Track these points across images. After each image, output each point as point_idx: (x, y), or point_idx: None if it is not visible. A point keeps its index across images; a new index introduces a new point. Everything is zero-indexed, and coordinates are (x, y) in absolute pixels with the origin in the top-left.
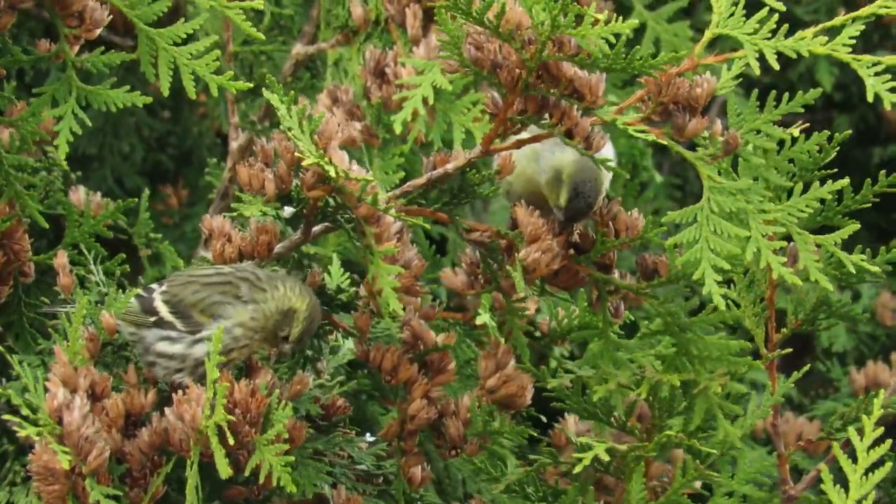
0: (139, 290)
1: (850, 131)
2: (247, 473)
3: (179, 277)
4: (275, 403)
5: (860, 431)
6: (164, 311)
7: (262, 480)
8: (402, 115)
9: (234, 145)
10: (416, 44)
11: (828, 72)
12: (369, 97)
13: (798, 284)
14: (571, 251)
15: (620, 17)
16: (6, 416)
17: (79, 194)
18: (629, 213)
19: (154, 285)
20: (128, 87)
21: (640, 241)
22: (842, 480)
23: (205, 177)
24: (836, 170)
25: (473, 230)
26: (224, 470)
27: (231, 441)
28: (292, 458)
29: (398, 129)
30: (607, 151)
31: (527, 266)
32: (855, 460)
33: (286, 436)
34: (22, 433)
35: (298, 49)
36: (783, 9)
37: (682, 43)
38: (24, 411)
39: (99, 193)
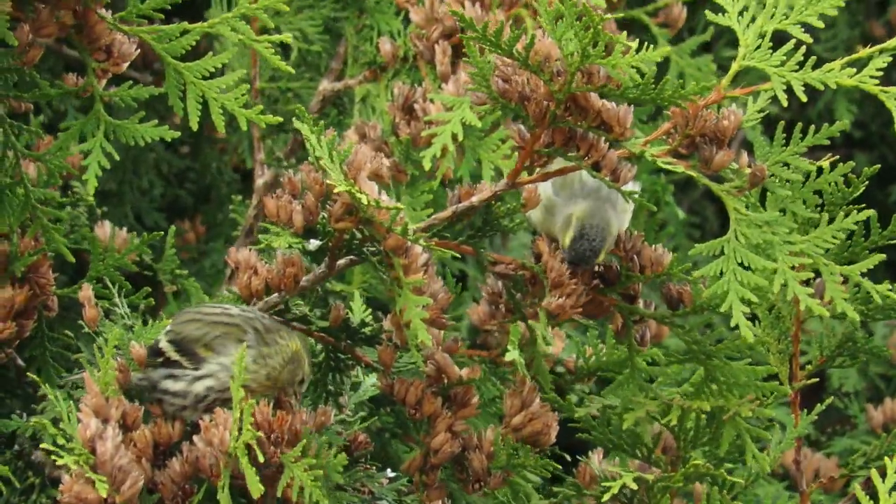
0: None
1: (878, 166)
2: (279, 493)
3: (185, 314)
4: (300, 425)
5: (882, 472)
6: (169, 350)
7: (294, 498)
8: (432, 151)
9: (259, 182)
10: (445, 80)
11: (847, 109)
12: (398, 133)
13: (825, 315)
14: (597, 282)
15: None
16: (43, 446)
17: (105, 229)
18: (653, 247)
19: (166, 327)
20: (155, 122)
21: (666, 276)
22: None
23: (223, 213)
24: (863, 205)
25: (498, 262)
26: (255, 488)
27: (261, 457)
28: (321, 472)
29: (427, 165)
30: (635, 186)
31: (551, 312)
32: (877, 501)
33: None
34: (60, 462)
35: (325, 86)
36: (810, 41)
37: (705, 77)
38: (60, 440)
39: (125, 228)
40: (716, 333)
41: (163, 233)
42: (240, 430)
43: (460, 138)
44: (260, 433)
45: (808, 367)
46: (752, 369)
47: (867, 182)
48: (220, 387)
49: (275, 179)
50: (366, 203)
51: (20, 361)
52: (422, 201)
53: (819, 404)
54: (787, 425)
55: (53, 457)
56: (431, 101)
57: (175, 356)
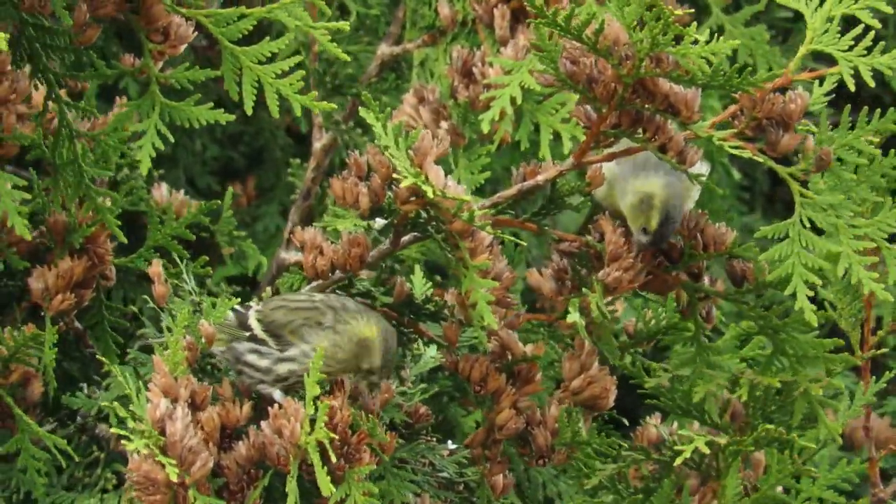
0: (235, 305)
1: None
2: None
3: (273, 301)
4: (372, 424)
5: None
6: (257, 328)
7: None
8: (490, 114)
9: (317, 146)
10: (504, 44)
11: None
12: (456, 96)
13: (889, 300)
14: (661, 260)
15: (705, 29)
16: (114, 430)
17: (161, 191)
18: (716, 226)
19: (251, 304)
20: (211, 105)
21: (729, 254)
22: None
23: (277, 176)
24: None
25: (563, 240)
26: (326, 487)
27: (333, 458)
28: (377, 502)
29: (485, 128)
30: (702, 167)
31: (608, 284)
32: None
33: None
34: (130, 446)
35: (384, 49)
36: (878, 26)
37: (759, 46)
38: (130, 423)
39: (182, 191)
40: (782, 307)
41: (218, 202)
42: (312, 426)
43: (519, 102)
44: (334, 435)
45: (880, 332)
46: (819, 342)
47: None
48: (300, 371)
49: (333, 143)
50: (431, 195)
51: (78, 324)
52: (479, 164)
53: (888, 371)
54: (854, 392)
55: (124, 441)
56: (490, 64)
57: (262, 335)
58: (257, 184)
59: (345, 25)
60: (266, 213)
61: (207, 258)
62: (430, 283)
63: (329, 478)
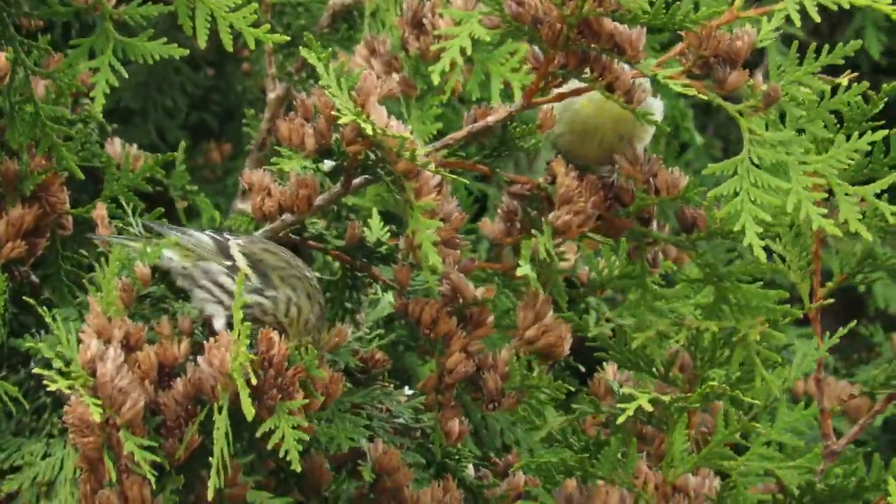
0: (209, 231)
1: None
2: (258, 434)
3: (255, 243)
4: (310, 359)
5: None
6: (241, 261)
7: (270, 447)
8: (440, 65)
9: (271, 96)
10: None
11: (876, 38)
12: (407, 48)
13: (838, 236)
14: (612, 202)
15: None
16: (37, 370)
17: (115, 146)
18: (670, 170)
19: (227, 234)
20: (164, 40)
21: (682, 199)
22: None
23: (244, 128)
24: (883, 122)
25: (514, 182)
26: (248, 411)
27: (254, 381)
28: (307, 437)
29: (436, 80)
30: (657, 105)
31: (557, 227)
32: None
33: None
34: (53, 387)
35: (335, 0)
36: None
37: None
38: (57, 364)
39: (136, 146)
40: (730, 256)
41: (173, 154)
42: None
43: (469, 52)
44: (254, 356)
45: (829, 284)
46: (763, 293)
47: (886, 100)
48: (272, 312)
49: (287, 94)
50: (372, 133)
51: (34, 278)
52: (431, 115)
53: (842, 327)
54: (812, 343)
55: (46, 380)
56: (440, 15)
57: (247, 269)
58: (229, 140)
59: None
60: (236, 168)
61: (163, 209)
62: (386, 228)
63: (257, 408)
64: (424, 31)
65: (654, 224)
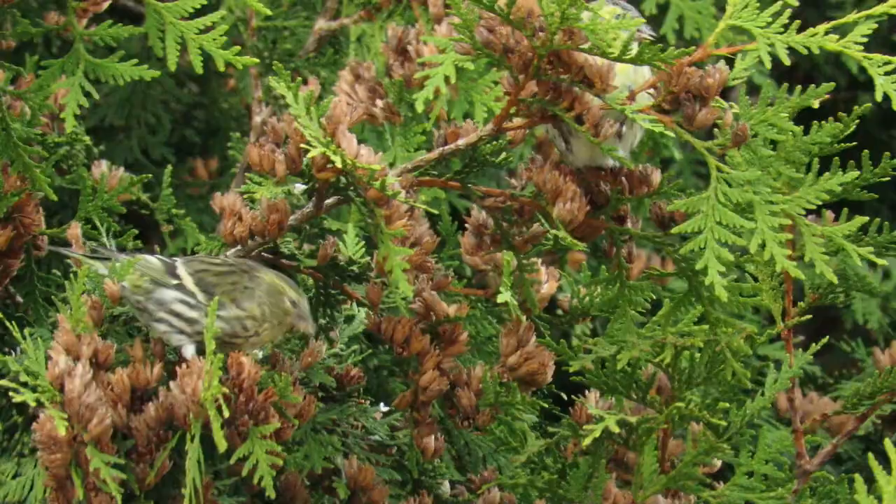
0: (157, 255)
1: (869, 105)
2: (231, 461)
3: (194, 263)
4: (283, 383)
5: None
6: (188, 280)
7: (244, 473)
8: (424, 93)
9: (257, 120)
10: (439, 22)
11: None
12: (391, 75)
13: (801, 278)
14: (588, 207)
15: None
16: (2, 383)
17: (102, 168)
18: (639, 166)
19: (175, 257)
20: (136, 61)
21: (656, 195)
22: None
23: (229, 150)
24: (855, 143)
25: (487, 195)
26: (221, 443)
27: (226, 413)
28: (280, 462)
29: (420, 107)
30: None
31: (563, 219)
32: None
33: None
34: (17, 398)
35: (321, 24)
36: (796, 4)
37: (705, 20)
38: (23, 378)
39: (122, 168)
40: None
41: (149, 175)
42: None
43: (453, 80)
44: (225, 389)
45: (801, 304)
46: (737, 286)
47: (860, 128)
48: (231, 332)
49: (272, 117)
50: (341, 164)
51: (19, 298)
52: (415, 143)
53: (824, 339)
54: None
55: (11, 393)
56: (424, 42)
57: (193, 287)
58: (216, 155)
59: None
60: (222, 185)
61: (137, 231)
62: (362, 244)
63: (230, 435)
64: (409, 57)
65: (629, 222)
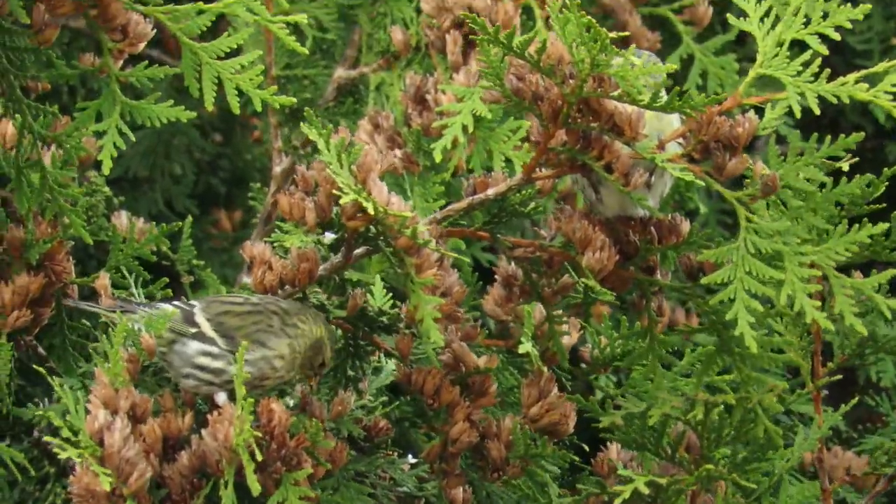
0: (175, 302)
1: None
2: None
3: (214, 305)
4: (315, 431)
5: None
6: (206, 326)
7: None
8: (442, 142)
9: (277, 170)
10: (457, 70)
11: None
12: (410, 124)
13: (831, 329)
14: (617, 257)
15: (675, 57)
16: (47, 438)
17: (121, 219)
18: (669, 216)
19: (193, 301)
20: (171, 102)
21: (686, 246)
22: None
23: (250, 200)
24: (884, 205)
25: (517, 246)
26: (255, 487)
27: (259, 456)
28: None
29: (438, 157)
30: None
31: (593, 269)
32: None
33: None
34: (62, 455)
35: (340, 73)
36: (826, 52)
37: (728, 76)
38: (65, 433)
39: (142, 219)
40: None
41: (179, 224)
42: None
43: (471, 129)
44: (258, 433)
45: (830, 364)
46: (767, 339)
47: (888, 181)
48: (259, 375)
49: (292, 167)
50: (373, 211)
51: (41, 350)
52: (434, 192)
53: (846, 403)
54: (815, 420)
55: (57, 449)
56: (443, 91)
57: (212, 334)
58: (238, 208)
59: (302, 18)
60: (245, 237)
61: (167, 279)
62: (390, 295)
63: (263, 481)
64: (427, 106)
65: (658, 273)
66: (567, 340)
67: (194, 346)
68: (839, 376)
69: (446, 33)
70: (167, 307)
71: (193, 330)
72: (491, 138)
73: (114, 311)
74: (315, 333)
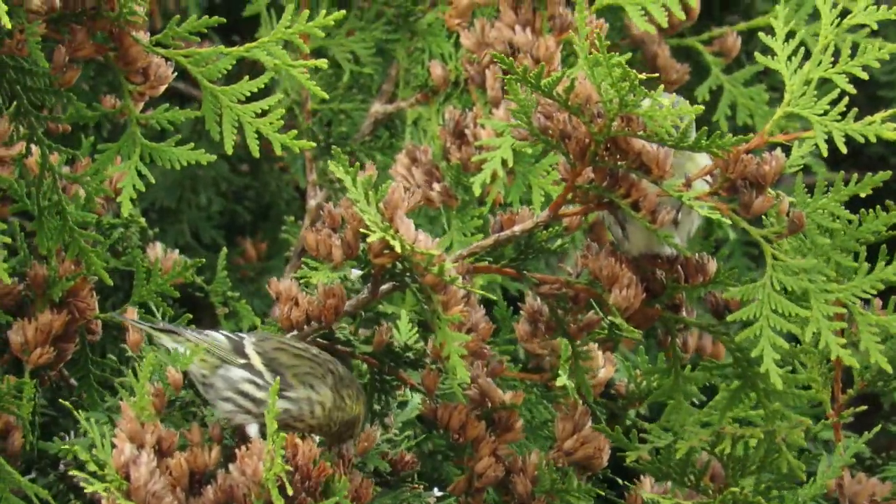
0: (224, 331)
1: None
2: None
3: (269, 342)
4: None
5: None
6: (256, 359)
7: None
8: (482, 177)
9: (311, 203)
10: (496, 105)
11: None
12: (448, 158)
13: (856, 367)
14: (644, 295)
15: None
16: (73, 472)
17: (156, 250)
18: (696, 255)
19: (243, 334)
20: (192, 145)
21: (712, 285)
22: None
23: (282, 233)
24: None
25: (543, 283)
26: None
27: (290, 490)
28: None
29: (477, 191)
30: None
31: (619, 306)
32: None
33: None
34: (88, 489)
35: (377, 108)
36: (853, 91)
37: (758, 107)
38: (91, 467)
39: (177, 250)
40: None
41: (203, 260)
42: (272, 461)
43: (510, 164)
44: (289, 467)
45: (850, 391)
46: (792, 377)
47: None
48: (297, 414)
49: (327, 200)
50: (400, 249)
51: (73, 381)
52: (472, 226)
53: (869, 430)
54: (839, 447)
55: (83, 483)
56: (482, 126)
57: (261, 367)
58: (264, 238)
59: (323, 63)
60: (273, 268)
61: (191, 315)
62: (416, 330)
63: None
64: (466, 141)
65: (684, 311)
66: (602, 374)
67: (241, 373)
68: (864, 407)
69: (486, 68)
70: (216, 335)
71: (242, 361)
72: (530, 173)
73: (164, 331)
74: (354, 411)
